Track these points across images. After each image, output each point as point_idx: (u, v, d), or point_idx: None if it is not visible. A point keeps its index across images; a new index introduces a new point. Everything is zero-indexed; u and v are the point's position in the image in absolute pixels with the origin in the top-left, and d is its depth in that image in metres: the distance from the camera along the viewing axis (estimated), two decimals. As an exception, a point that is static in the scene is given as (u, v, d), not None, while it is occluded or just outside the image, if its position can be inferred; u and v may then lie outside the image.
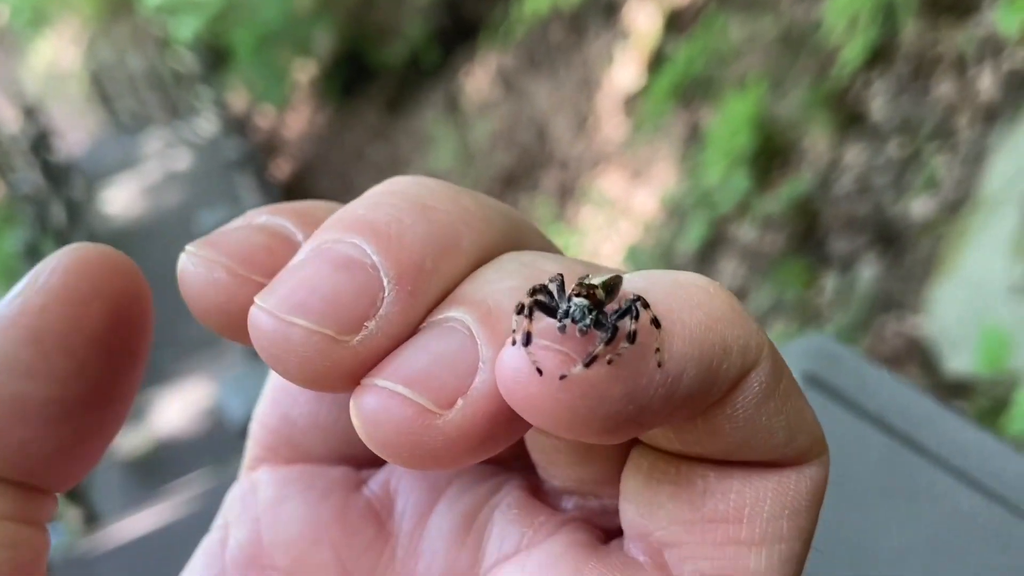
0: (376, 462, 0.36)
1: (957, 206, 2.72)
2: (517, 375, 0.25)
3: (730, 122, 3.57)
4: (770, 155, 3.43)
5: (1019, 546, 0.39)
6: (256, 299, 0.27)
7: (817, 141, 3.28)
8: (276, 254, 0.29)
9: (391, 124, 7.31)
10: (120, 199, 9.42)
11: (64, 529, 5.96)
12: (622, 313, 0.26)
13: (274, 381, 0.36)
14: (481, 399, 0.26)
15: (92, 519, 5.87)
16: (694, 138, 3.93)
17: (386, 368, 0.27)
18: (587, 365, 0.25)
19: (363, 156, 7.63)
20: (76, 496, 5.86)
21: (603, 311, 0.26)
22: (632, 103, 4.44)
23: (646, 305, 0.26)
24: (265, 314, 0.27)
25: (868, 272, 2.81)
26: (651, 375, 0.25)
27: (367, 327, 0.27)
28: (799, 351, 0.52)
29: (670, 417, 0.26)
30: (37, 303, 0.29)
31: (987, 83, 2.74)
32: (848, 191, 3.12)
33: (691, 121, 3.98)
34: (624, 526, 0.30)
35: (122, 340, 0.31)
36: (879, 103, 3.09)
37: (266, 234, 0.30)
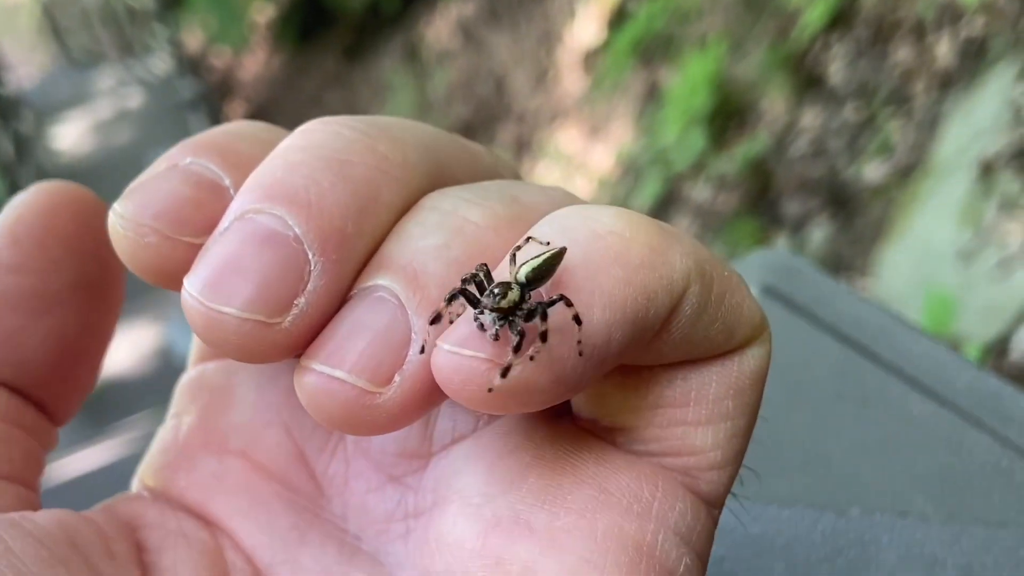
0: None
1: (909, 171, 2.75)
2: (450, 379, 0.26)
3: (689, 81, 3.57)
4: (727, 115, 3.44)
5: (969, 449, 0.41)
6: (184, 283, 0.28)
7: (775, 103, 3.29)
8: (204, 207, 0.29)
9: (349, 71, 7.25)
10: (70, 135, 9.27)
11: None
12: (532, 313, 0.27)
13: None
14: (416, 371, 0.27)
15: (34, 456, 5.82)
16: (652, 96, 3.93)
17: (323, 351, 0.27)
18: (503, 375, 0.25)
19: (320, 102, 7.56)
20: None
21: (518, 311, 0.27)
22: (592, 59, 4.43)
23: (569, 304, 0.26)
24: (194, 301, 0.27)
25: (819, 234, 2.83)
26: (574, 362, 0.26)
27: (297, 304, 0.27)
28: (757, 264, 0.53)
29: (607, 370, 0.27)
30: (13, 214, 0.32)
31: (944, 50, 2.76)
32: (803, 153, 3.14)
33: (650, 79, 3.98)
34: (573, 412, 0.31)
35: (89, 244, 0.33)
36: (837, 66, 3.11)
37: (192, 185, 0.30)
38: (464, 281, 0.28)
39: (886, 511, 0.41)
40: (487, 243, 0.29)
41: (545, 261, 0.27)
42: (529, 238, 0.28)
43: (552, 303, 0.27)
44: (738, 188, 3.28)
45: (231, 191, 0.30)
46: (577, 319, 0.26)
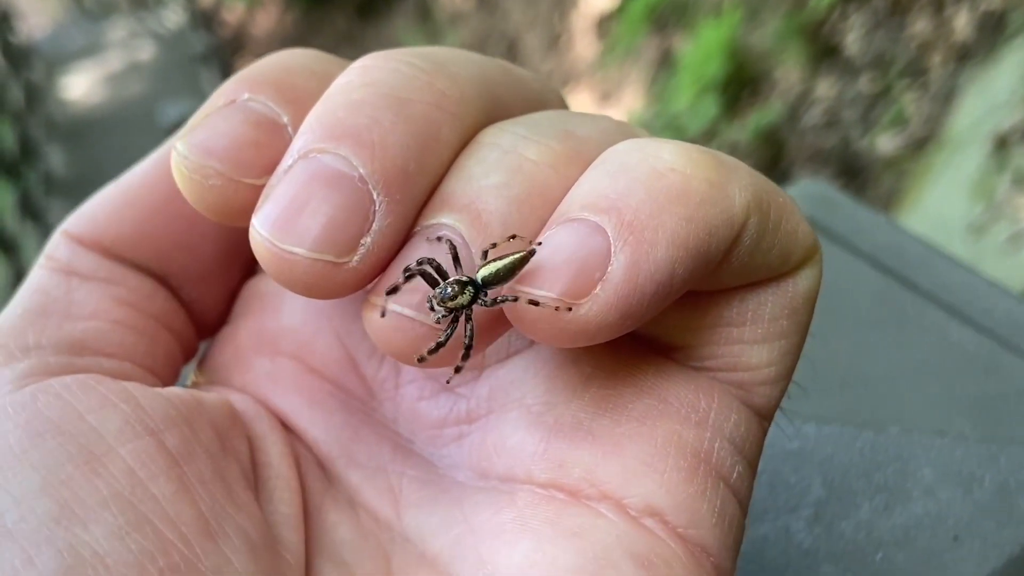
0: None
1: (923, 144, 2.75)
2: (521, 319, 0.28)
3: (703, 49, 3.56)
4: (741, 84, 3.43)
5: (1007, 372, 0.41)
6: (253, 222, 0.29)
7: (789, 72, 3.28)
8: (265, 147, 0.30)
9: (361, 29, 7.22)
10: (80, 86, 9.24)
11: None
12: (457, 318, 0.28)
13: None
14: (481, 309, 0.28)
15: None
16: (665, 63, 3.92)
17: (389, 284, 0.29)
18: (431, 352, 0.28)
19: (330, 60, 7.55)
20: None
21: (465, 309, 0.28)
22: (605, 24, 4.42)
23: (515, 299, 0.28)
24: (264, 241, 0.28)
25: (830, 203, 2.82)
26: (640, 298, 0.26)
27: (363, 244, 0.28)
28: (797, 195, 0.54)
29: (671, 302, 0.28)
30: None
31: (963, 23, 2.75)
32: (816, 123, 3.14)
33: (663, 46, 3.96)
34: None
35: None
36: (854, 37, 3.10)
37: (252, 124, 0.31)
38: (420, 263, 0.29)
39: (924, 430, 0.42)
40: (545, 181, 0.29)
41: (508, 265, 0.29)
42: (514, 236, 0.29)
43: (504, 301, 0.28)
44: (750, 157, 3.28)
45: (289, 129, 0.31)
46: (533, 302, 0.27)
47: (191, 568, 0.27)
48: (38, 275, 0.35)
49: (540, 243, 0.28)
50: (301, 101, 0.31)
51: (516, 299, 0.28)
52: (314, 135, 0.29)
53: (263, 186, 0.30)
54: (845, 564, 0.39)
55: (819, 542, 0.40)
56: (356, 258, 0.28)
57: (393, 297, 0.29)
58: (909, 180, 2.70)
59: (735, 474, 0.30)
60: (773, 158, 3.21)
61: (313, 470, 0.35)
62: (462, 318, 0.29)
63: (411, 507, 0.34)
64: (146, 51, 8.99)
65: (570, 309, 0.27)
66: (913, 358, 0.43)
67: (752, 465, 0.31)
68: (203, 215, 0.33)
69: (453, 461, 0.34)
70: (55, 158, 8.55)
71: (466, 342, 0.29)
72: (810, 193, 0.53)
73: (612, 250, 0.27)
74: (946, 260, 0.46)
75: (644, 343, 0.32)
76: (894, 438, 0.42)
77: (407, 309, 0.28)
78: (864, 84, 3.01)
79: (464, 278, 0.29)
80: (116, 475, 0.28)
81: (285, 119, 0.31)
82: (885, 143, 2.85)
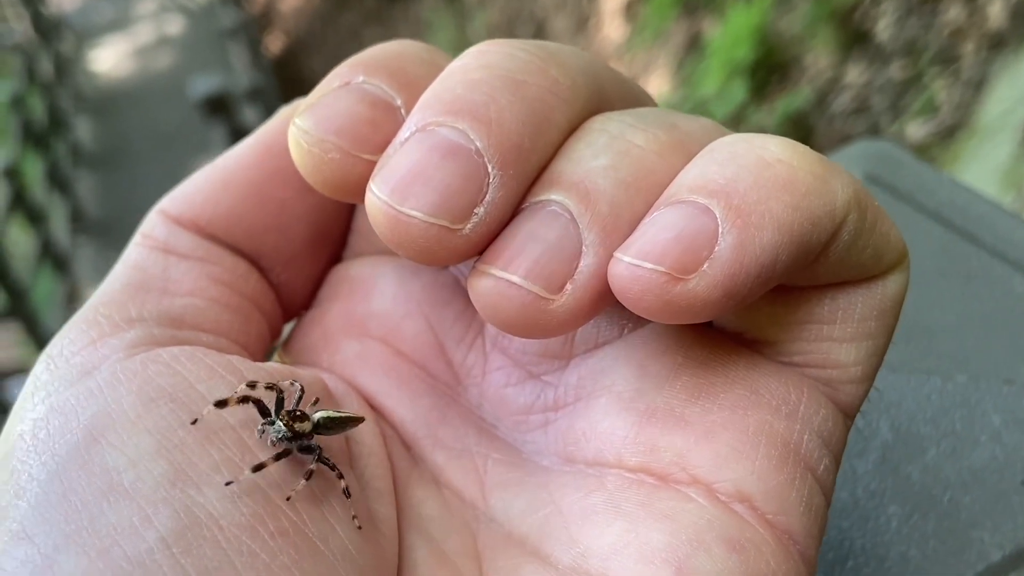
0: None
1: (953, 131, 2.74)
2: (628, 289, 0.28)
3: (732, 33, 3.55)
4: (770, 69, 3.42)
5: (1072, 326, 0.43)
6: (371, 187, 0.30)
7: (819, 58, 3.27)
8: (379, 126, 0.31)
9: (389, 7, 7.22)
10: (109, 59, 9.26)
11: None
12: (307, 450, 0.31)
13: None
14: (587, 282, 0.29)
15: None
16: (694, 47, 3.91)
17: (500, 257, 0.29)
18: (254, 471, 0.29)
19: (358, 37, 7.53)
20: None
21: (297, 440, 0.31)
22: (634, 7, 4.41)
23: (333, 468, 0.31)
24: (382, 204, 0.29)
25: (859, 189, 2.82)
26: (744, 280, 0.28)
27: (477, 213, 0.29)
28: (860, 153, 0.54)
29: (770, 288, 0.29)
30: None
31: (997, 10, 2.73)
32: (845, 109, 3.13)
33: (692, 30, 3.96)
34: (718, 325, 0.33)
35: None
36: (886, 23, 3.09)
37: (368, 104, 0.31)
38: (267, 387, 0.31)
39: (991, 378, 0.43)
40: (651, 166, 0.30)
41: (344, 418, 0.32)
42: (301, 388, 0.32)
43: (318, 452, 0.31)
44: (778, 142, 3.27)
45: (402, 111, 0.31)
46: (347, 492, 0.31)
47: (299, 533, 0.29)
48: (135, 252, 0.36)
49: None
50: (412, 86, 0.32)
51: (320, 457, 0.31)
52: (432, 110, 0.30)
53: (372, 162, 0.31)
54: (912, 506, 0.40)
55: (886, 484, 0.41)
56: (469, 226, 0.29)
57: (502, 264, 0.29)
58: (938, 167, 2.70)
59: (822, 466, 0.31)
60: (801, 143, 3.20)
61: (398, 449, 0.36)
62: (292, 448, 0.31)
63: (497, 488, 0.35)
64: (175, 25, 9.00)
65: (678, 283, 0.28)
66: (979, 310, 0.44)
67: (837, 460, 0.32)
68: (311, 190, 0.34)
69: (537, 447, 0.35)
70: (83, 130, 8.57)
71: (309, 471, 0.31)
72: (873, 151, 0.54)
73: (720, 231, 0.27)
74: (1010, 217, 0.47)
75: (734, 337, 0.33)
76: (961, 386, 0.43)
77: (515, 276, 0.29)
78: (895, 71, 3.00)
79: (306, 414, 0.31)
80: (226, 442, 0.30)
81: (398, 101, 0.32)
82: (915, 130, 2.85)
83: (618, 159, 0.30)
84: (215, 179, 0.37)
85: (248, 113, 5.99)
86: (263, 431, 0.30)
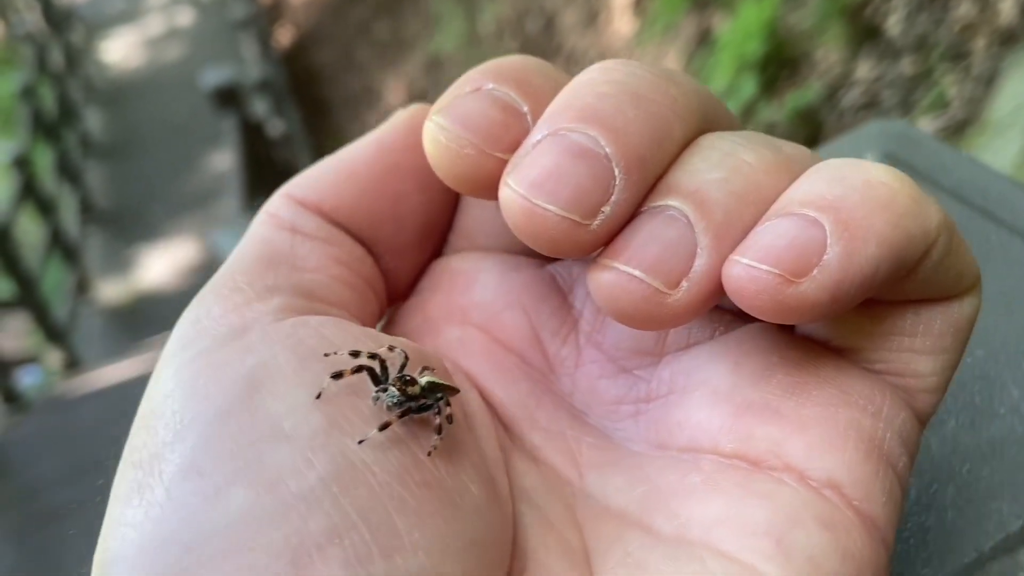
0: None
1: (963, 127, 2.74)
2: (744, 289, 0.31)
3: (743, 28, 3.55)
4: (780, 64, 3.43)
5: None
6: (508, 181, 0.32)
7: (829, 53, 3.27)
8: (511, 130, 0.34)
9: (398, 3, 7.23)
10: (119, 49, 9.29)
11: (45, 371, 6.00)
12: (423, 409, 0.33)
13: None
14: (701, 280, 0.31)
15: (73, 363, 5.90)
16: (704, 42, 3.92)
17: (623, 253, 0.32)
18: (381, 429, 0.31)
19: (368, 31, 7.55)
20: (58, 339, 5.89)
21: (412, 402, 0.33)
22: (643, 2, 4.42)
23: (448, 404, 0.33)
24: (519, 197, 0.32)
25: (869, 183, 2.82)
26: (848, 288, 0.30)
27: (603, 212, 0.32)
28: (877, 133, 0.55)
29: (866, 297, 0.31)
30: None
31: (1008, 5, 2.73)
32: (855, 104, 3.14)
33: (702, 25, 3.96)
34: (805, 333, 0.36)
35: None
36: (896, 19, 3.09)
37: (500, 109, 0.34)
38: (371, 357, 0.33)
39: (1010, 353, 0.44)
40: (760, 182, 0.33)
41: (444, 384, 0.34)
42: (391, 348, 0.34)
43: (437, 402, 0.33)
44: (787, 137, 3.26)
45: (528, 117, 0.34)
46: (449, 418, 0.33)
47: (440, 487, 0.32)
48: (262, 230, 0.39)
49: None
50: (537, 96, 0.35)
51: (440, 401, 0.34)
52: (564, 116, 0.32)
53: (506, 161, 0.33)
54: (931, 476, 0.41)
55: (905, 456, 0.42)
56: (596, 222, 0.32)
57: (624, 259, 0.32)
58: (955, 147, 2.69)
59: (901, 463, 0.34)
60: (810, 139, 3.21)
61: (498, 427, 0.39)
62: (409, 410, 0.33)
63: (592, 468, 0.38)
64: (185, 16, 9.04)
65: (790, 286, 0.30)
66: (998, 288, 0.45)
67: (912, 460, 0.35)
68: (426, 187, 0.39)
69: (628, 434, 0.38)
70: (93, 120, 8.59)
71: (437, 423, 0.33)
72: (890, 131, 0.55)
73: (828, 242, 0.30)
74: (1027, 197, 0.48)
75: (822, 344, 0.36)
76: (980, 360, 0.44)
77: (637, 271, 0.32)
78: (905, 66, 3.00)
79: (414, 377, 0.34)
80: (369, 404, 0.33)
81: (525, 108, 0.34)
82: (925, 126, 2.85)
83: (731, 173, 0.32)
84: (339, 170, 0.40)
85: (258, 105, 6.00)
86: (378, 397, 0.33)
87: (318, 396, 0.32)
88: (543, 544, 0.34)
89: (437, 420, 0.33)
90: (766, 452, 0.34)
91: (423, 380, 0.34)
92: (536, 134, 0.33)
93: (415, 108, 0.41)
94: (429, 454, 0.32)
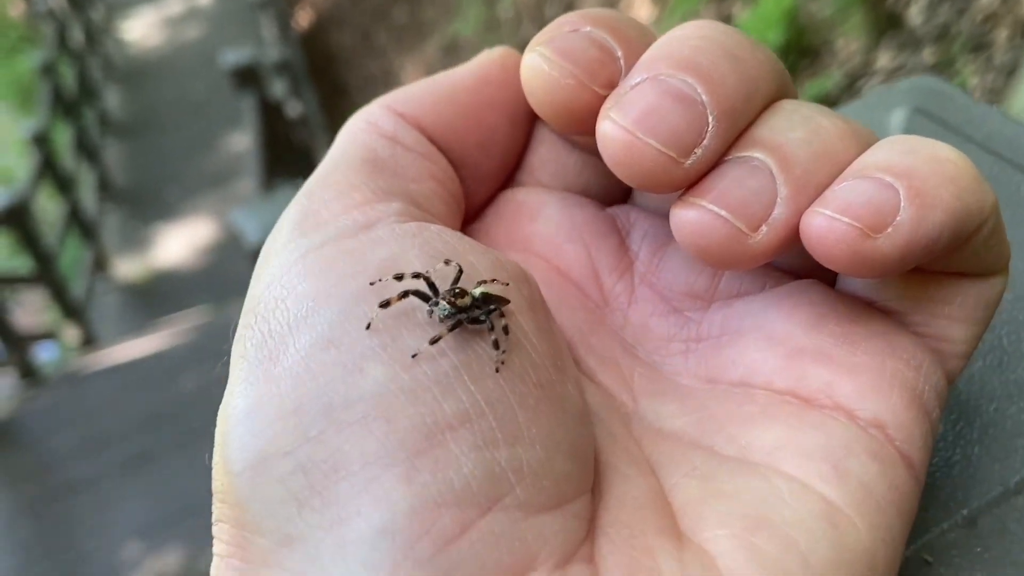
0: (616, 201, 0.46)
1: (983, 117, 2.72)
2: (824, 238, 0.34)
3: (763, 16, 3.55)
4: (800, 52, 3.42)
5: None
6: (611, 115, 0.35)
7: (850, 42, 3.26)
8: (607, 69, 0.37)
9: (418, -16, 7.22)
10: (139, 28, 9.30)
11: (61, 346, 6.03)
12: (475, 321, 0.35)
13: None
14: (779, 227, 0.35)
15: (89, 340, 5.93)
16: (724, 30, 3.90)
17: (709, 193, 0.35)
18: (432, 343, 0.33)
19: (386, 16, 7.55)
20: (75, 315, 5.91)
21: (464, 313, 0.35)
22: (665, -12, 4.40)
23: (502, 315, 0.35)
24: (621, 130, 0.35)
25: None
26: (918, 239, 0.33)
27: (695, 154, 0.35)
28: (908, 88, 0.56)
29: (924, 260, 0.34)
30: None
31: (1031, -4, 2.72)
32: (875, 94, 3.12)
33: (723, 12, 3.95)
34: (848, 290, 0.40)
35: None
36: (918, 8, 3.08)
37: (598, 48, 0.37)
38: (404, 295, 0.34)
39: (1041, 298, 0.45)
40: (835, 146, 0.36)
41: (496, 295, 0.36)
42: (494, 280, 0.36)
43: (490, 312, 0.35)
44: (806, 125, 3.27)
45: (621, 61, 0.37)
46: (505, 329, 0.35)
47: (551, 389, 0.34)
48: (363, 135, 0.41)
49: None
50: (629, 43, 0.37)
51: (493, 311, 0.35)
52: (663, 64, 0.35)
53: (601, 96, 0.36)
54: (958, 414, 0.42)
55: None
56: (689, 161, 0.34)
57: (712, 199, 0.35)
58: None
59: (934, 415, 0.37)
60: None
61: None
62: (462, 320, 0.35)
63: (645, 395, 0.40)
64: (205, -3, 9.06)
65: (867, 240, 0.33)
66: (1026, 236, 0.46)
67: (941, 416, 0.38)
68: (514, 122, 0.42)
69: (676, 369, 0.41)
70: (112, 99, 8.61)
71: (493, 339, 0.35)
72: (924, 86, 0.56)
73: (902, 205, 0.33)
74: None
75: (867, 302, 0.39)
76: (1008, 303, 0.45)
77: (723, 211, 0.35)
78: (926, 56, 2.99)
79: (465, 288, 0.35)
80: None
81: (619, 52, 0.37)
82: (945, 115, 2.84)
83: (811, 135, 0.36)
84: (441, 92, 0.42)
85: (277, 86, 6.00)
86: (431, 312, 0.34)
87: (368, 327, 0.33)
88: (613, 453, 0.37)
89: (493, 334, 0.34)
90: (817, 391, 0.37)
91: (476, 292, 0.35)
92: (634, 77, 0.35)
93: (504, 50, 0.43)
94: (497, 370, 0.33)
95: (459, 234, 0.37)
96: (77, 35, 8.23)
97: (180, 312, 5.94)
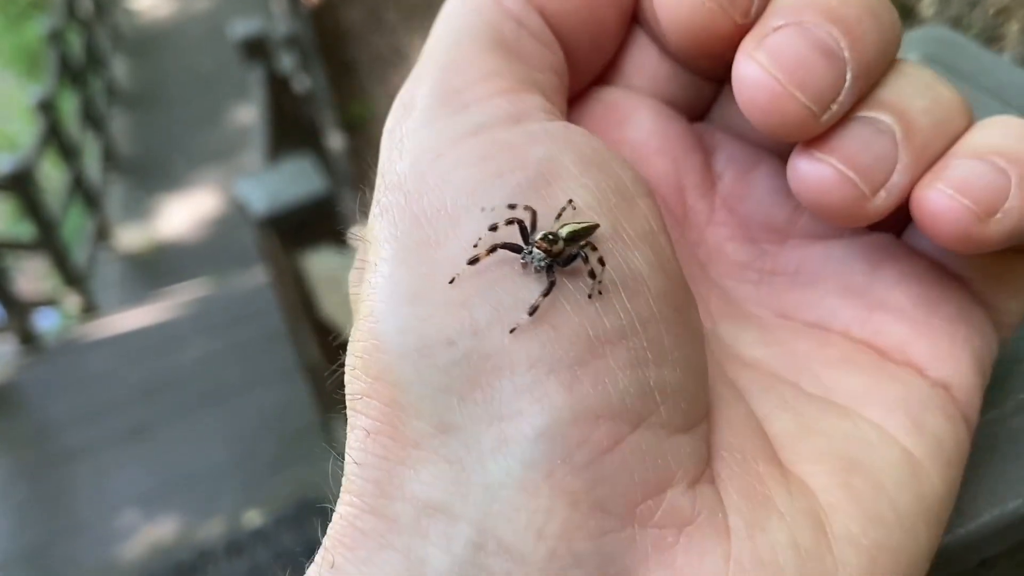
0: (697, 117, 0.45)
1: (993, 111, 2.72)
2: (942, 216, 0.34)
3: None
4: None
5: None
6: (757, 56, 0.34)
7: (861, 32, 3.25)
8: (744, 2, 0.36)
9: (430, -36, 7.19)
10: (148, -1, 9.31)
11: (62, 314, 6.04)
12: (569, 260, 0.33)
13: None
14: (895, 193, 0.35)
15: (90, 308, 5.94)
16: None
17: (838, 151, 0.35)
18: (531, 314, 0.32)
19: (396, -9, 7.52)
20: (77, 283, 5.92)
21: (558, 258, 0.33)
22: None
23: (594, 249, 0.33)
24: (768, 76, 0.34)
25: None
26: (1012, 229, 0.34)
27: (831, 109, 0.34)
28: (921, 37, 0.57)
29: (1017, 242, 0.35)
30: None
31: (1045, -10, 2.72)
32: (885, 84, 3.12)
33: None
34: (924, 251, 0.41)
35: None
36: (930, 0, 3.07)
37: None
38: (510, 222, 0.33)
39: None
40: (952, 118, 0.36)
41: (584, 228, 0.34)
42: (570, 201, 0.34)
43: (581, 250, 0.33)
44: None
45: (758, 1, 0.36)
46: (602, 261, 0.33)
47: (685, 311, 0.34)
48: (489, 14, 0.38)
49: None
50: None
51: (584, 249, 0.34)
52: (810, 11, 0.34)
53: (739, 26, 0.35)
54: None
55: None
56: (826, 116, 0.34)
57: (840, 158, 0.35)
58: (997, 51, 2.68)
59: (986, 382, 0.39)
60: None
61: None
62: (555, 267, 0.34)
63: (723, 317, 0.40)
64: (215, -32, 9.02)
65: (979, 222, 0.33)
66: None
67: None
68: (629, 21, 0.41)
69: (746, 296, 0.41)
70: (119, 68, 8.59)
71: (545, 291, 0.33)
72: (935, 36, 0.57)
73: (1012, 192, 0.34)
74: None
75: (941, 265, 0.40)
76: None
77: (851, 172, 0.35)
78: (938, 48, 2.98)
79: (553, 232, 0.34)
80: (641, 219, 0.35)
81: None
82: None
83: (933, 104, 0.36)
84: None
85: (285, 59, 5.99)
86: (526, 262, 0.33)
87: (470, 265, 0.32)
88: (710, 372, 0.37)
89: (588, 267, 0.33)
90: (892, 347, 0.38)
91: (563, 232, 0.34)
92: (776, 19, 0.35)
93: None
94: (590, 296, 0.32)
95: (599, 139, 0.37)
96: (86, 3, 8.22)
97: (181, 283, 5.94)
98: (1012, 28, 2.80)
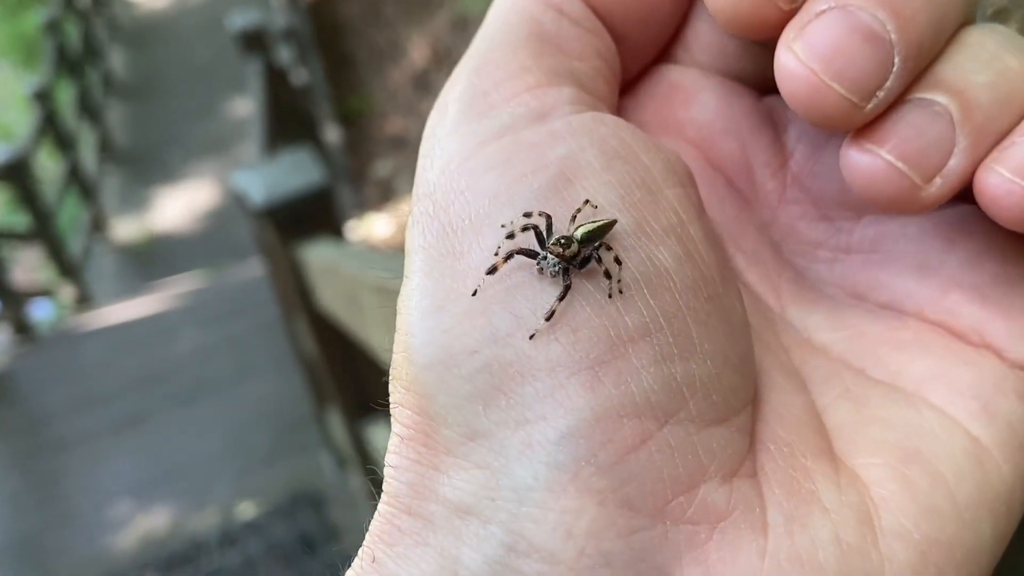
0: (772, 91, 0.42)
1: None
2: (1003, 198, 0.33)
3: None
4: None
5: None
6: (795, 48, 0.33)
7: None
8: None
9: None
10: (146, -10, 9.27)
11: (56, 304, 6.03)
12: (586, 261, 0.33)
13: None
14: (953, 179, 0.33)
15: (84, 299, 5.93)
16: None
17: (887, 140, 0.34)
18: (547, 319, 0.32)
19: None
20: (71, 274, 5.91)
21: (573, 261, 0.33)
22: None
23: (609, 248, 0.33)
24: (805, 69, 0.33)
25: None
26: None
27: (877, 96, 0.33)
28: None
29: None
30: None
31: (1043, -10, 2.71)
32: (882, 84, 3.11)
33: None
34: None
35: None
36: (930, -1, 3.06)
37: None
38: (525, 229, 0.33)
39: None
40: (1019, 90, 0.34)
41: (599, 227, 0.34)
42: (587, 201, 0.34)
43: (595, 251, 0.33)
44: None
45: None
46: (617, 260, 0.33)
47: (718, 302, 0.34)
48: (526, 5, 0.38)
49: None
50: None
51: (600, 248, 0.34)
52: None
53: (784, 12, 0.34)
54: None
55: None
56: (870, 106, 0.33)
57: (889, 148, 0.34)
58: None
59: None
60: None
61: None
62: (571, 271, 0.34)
63: (792, 302, 0.40)
64: (214, -40, 9.00)
65: None
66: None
67: None
68: (677, 2, 0.39)
69: (820, 276, 0.41)
70: (117, 59, 8.59)
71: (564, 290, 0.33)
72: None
73: None
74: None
75: (1017, 239, 0.38)
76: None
77: (900, 162, 0.33)
78: (936, 47, 2.98)
79: (568, 235, 0.34)
80: (668, 211, 0.34)
81: None
82: (952, 108, 2.83)
83: (996, 78, 0.34)
84: None
85: (283, 52, 5.99)
86: (541, 268, 0.33)
87: (473, 294, 0.32)
88: (766, 360, 0.37)
89: (603, 267, 0.33)
90: (968, 328, 0.37)
91: (577, 234, 0.34)
92: (821, 2, 0.33)
93: None
94: (610, 295, 0.32)
95: (631, 128, 0.36)
96: (84, -5, 8.19)
97: (176, 275, 5.94)
98: (1011, 28, 2.80)
